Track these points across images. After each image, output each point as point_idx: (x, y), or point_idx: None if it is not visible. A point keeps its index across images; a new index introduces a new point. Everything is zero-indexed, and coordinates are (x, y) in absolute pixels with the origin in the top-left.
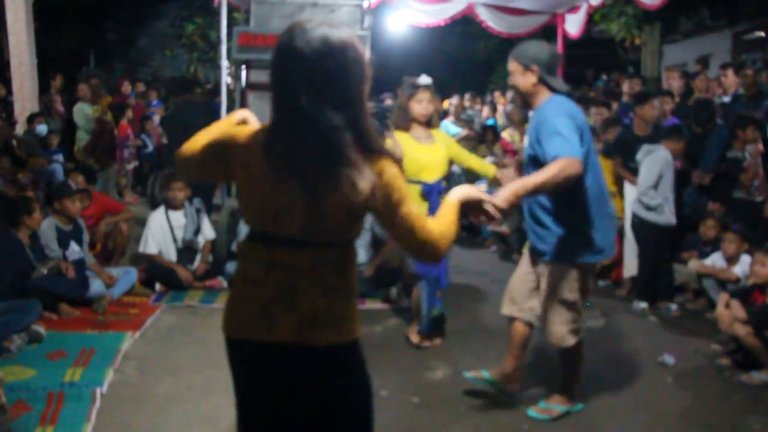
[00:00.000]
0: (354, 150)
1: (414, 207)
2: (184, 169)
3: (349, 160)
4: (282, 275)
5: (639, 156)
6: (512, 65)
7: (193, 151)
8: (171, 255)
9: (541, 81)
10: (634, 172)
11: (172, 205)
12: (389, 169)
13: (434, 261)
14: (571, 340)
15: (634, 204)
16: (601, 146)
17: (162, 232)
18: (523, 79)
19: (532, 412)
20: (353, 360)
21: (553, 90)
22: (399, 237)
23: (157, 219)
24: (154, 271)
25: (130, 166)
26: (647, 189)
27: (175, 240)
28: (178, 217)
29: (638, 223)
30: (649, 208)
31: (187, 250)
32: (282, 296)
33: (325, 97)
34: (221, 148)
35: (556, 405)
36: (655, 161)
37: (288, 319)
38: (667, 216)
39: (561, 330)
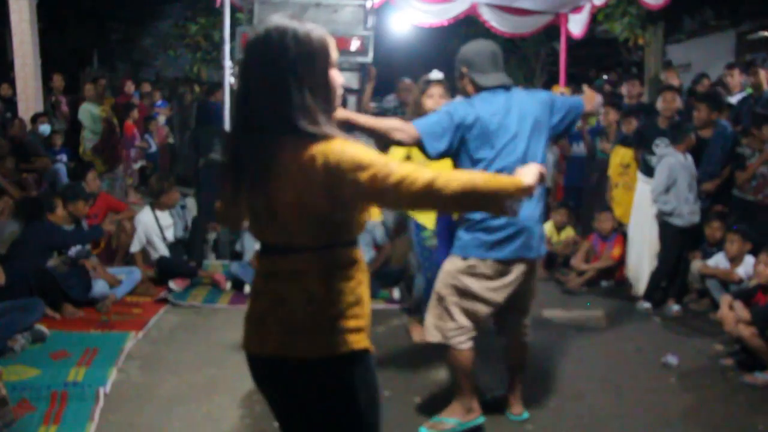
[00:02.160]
0: (289, 143)
1: (378, 162)
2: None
3: (277, 158)
4: (274, 285)
5: (655, 161)
6: (456, 74)
7: None
8: (162, 253)
9: (470, 80)
10: (648, 167)
11: (161, 207)
12: (333, 148)
13: (437, 207)
14: (431, 336)
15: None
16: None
17: (151, 231)
18: (461, 84)
19: (423, 429)
20: (346, 376)
21: (479, 88)
22: (391, 204)
23: (145, 219)
24: (165, 267)
25: (137, 166)
26: (659, 195)
27: (164, 238)
28: (165, 217)
29: (662, 224)
30: (664, 213)
31: (177, 246)
32: (273, 307)
33: (256, 93)
34: None
35: (448, 417)
36: (664, 167)
37: (276, 330)
38: (687, 217)
39: (428, 320)
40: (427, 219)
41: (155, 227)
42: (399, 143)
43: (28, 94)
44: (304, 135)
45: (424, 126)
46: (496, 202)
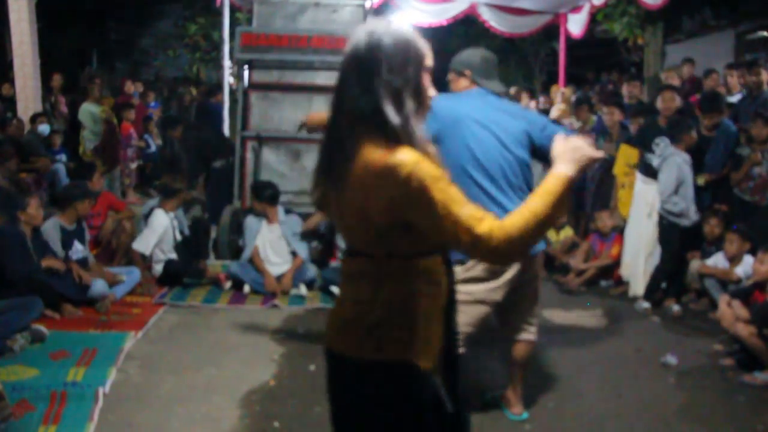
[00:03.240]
0: (367, 147)
1: (453, 202)
2: None
3: (355, 159)
4: (343, 283)
5: (655, 161)
6: (450, 75)
7: None
8: (171, 253)
9: (474, 83)
10: (647, 166)
11: (171, 208)
12: (418, 167)
13: (500, 262)
14: None
15: (661, 206)
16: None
17: (168, 233)
18: (456, 84)
19: None
20: (379, 384)
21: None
22: (446, 241)
23: (163, 222)
24: (174, 270)
25: (134, 165)
26: (668, 197)
27: (175, 239)
28: (171, 218)
29: (666, 225)
30: (672, 213)
31: (177, 247)
32: (337, 305)
33: (348, 91)
34: None
35: None
36: (672, 168)
37: (335, 327)
38: (693, 217)
39: None
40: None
41: (170, 229)
42: None
43: (28, 93)
44: (387, 136)
45: None
46: (561, 209)
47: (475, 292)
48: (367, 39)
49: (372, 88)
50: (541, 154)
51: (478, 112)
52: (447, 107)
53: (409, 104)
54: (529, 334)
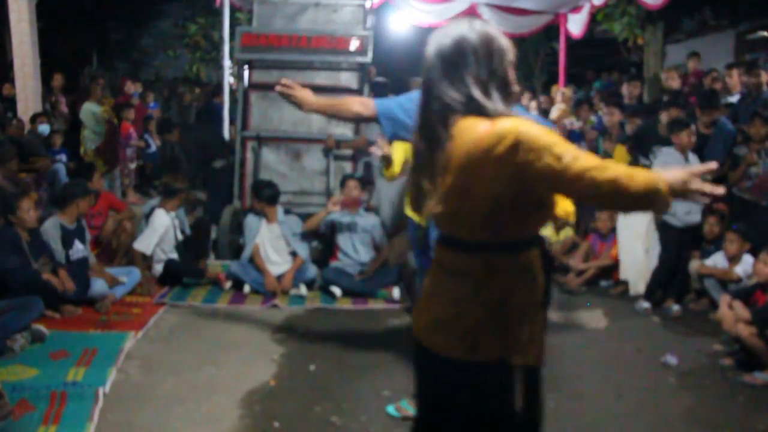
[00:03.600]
0: (465, 130)
1: (565, 146)
2: None
3: (448, 145)
4: (437, 276)
5: (647, 163)
6: None
7: None
8: (171, 253)
9: None
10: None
11: (172, 208)
12: (517, 128)
13: (624, 206)
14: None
15: None
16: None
17: (170, 234)
18: None
19: (391, 406)
20: (481, 382)
21: None
22: (574, 192)
23: (165, 222)
24: (174, 270)
25: (133, 165)
26: None
27: (176, 238)
28: (173, 217)
29: (660, 225)
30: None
31: (178, 247)
32: (432, 299)
33: (438, 82)
34: None
35: (412, 407)
36: (658, 165)
37: (425, 318)
38: (682, 217)
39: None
40: (425, 219)
41: (171, 229)
42: (360, 116)
43: (28, 94)
44: (481, 115)
45: (382, 105)
46: (633, 201)
47: None
48: (452, 37)
49: (461, 79)
50: None
51: None
52: None
53: (496, 94)
54: None
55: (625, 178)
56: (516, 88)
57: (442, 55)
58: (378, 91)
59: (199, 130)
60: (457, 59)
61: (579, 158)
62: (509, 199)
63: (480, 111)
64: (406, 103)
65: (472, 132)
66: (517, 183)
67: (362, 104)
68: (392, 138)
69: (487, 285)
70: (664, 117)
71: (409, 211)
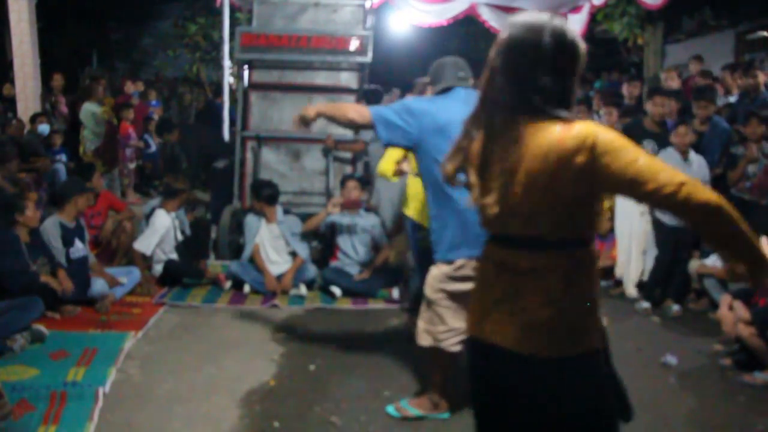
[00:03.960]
0: (539, 131)
1: (638, 155)
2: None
3: (523, 144)
4: (508, 278)
5: None
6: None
7: None
8: (171, 253)
9: (434, 93)
10: None
11: (172, 208)
12: (592, 131)
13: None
14: (423, 340)
15: None
16: None
17: (170, 234)
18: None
19: (391, 406)
20: (580, 374)
21: (438, 92)
22: (644, 199)
23: (165, 222)
24: (174, 270)
25: (132, 166)
26: None
27: (176, 239)
28: (173, 218)
29: (654, 223)
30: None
31: (185, 246)
32: (506, 300)
33: (508, 79)
34: None
35: (412, 407)
36: None
37: (510, 324)
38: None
39: (419, 325)
40: (424, 219)
41: (171, 229)
42: (355, 123)
43: (28, 93)
44: (551, 118)
45: (377, 112)
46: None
47: (465, 291)
48: (531, 30)
49: (535, 78)
50: None
51: (460, 114)
52: (430, 113)
53: (564, 98)
54: None
55: (722, 210)
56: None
57: (518, 49)
58: (371, 99)
59: (200, 130)
60: (533, 56)
61: (654, 164)
62: (586, 198)
63: (549, 114)
64: (401, 110)
65: (547, 134)
66: (594, 183)
67: (357, 112)
68: (388, 144)
69: (574, 280)
70: (649, 106)
71: (408, 211)
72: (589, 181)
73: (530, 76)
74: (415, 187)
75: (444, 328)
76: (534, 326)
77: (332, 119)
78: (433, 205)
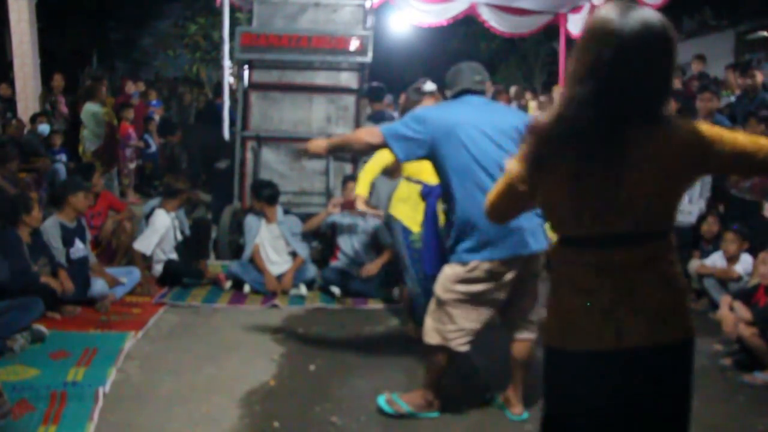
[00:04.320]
0: (646, 131)
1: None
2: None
3: (638, 147)
4: (618, 277)
5: None
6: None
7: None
8: (171, 253)
9: (449, 96)
10: None
11: (172, 208)
12: (692, 127)
13: None
14: (430, 338)
15: None
16: None
17: (170, 234)
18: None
19: (382, 398)
20: (692, 358)
21: (452, 96)
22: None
23: (164, 222)
24: (173, 270)
25: (132, 165)
26: None
27: (175, 239)
28: (173, 218)
29: None
30: None
31: (185, 246)
32: (624, 299)
33: (630, 81)
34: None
35: (404, 402)
36: None
37: (637, 322)
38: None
39: (427, 322)
40: (413, 223)
41: (171, 229)
42: (370, 145)
43: (28, 93)
44: (662, 123)
45: (387, 129)
46: None
47: (476, 292)
48: (646, 25)
49: (649, 78)
50: None
51: (468, 116)
52: (438, 117)
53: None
54: (529, 333)
55: None
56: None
57: (636, 46)
58: (374, 95)
59: (202, 130)
60: (661, 60)
61: (748, 137)
62: (683, 192)
63: (662, 117)
64: (409, 120)
65: (660, 134)
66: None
67: (370, 134)
68: (406, 159)
69: (675, 262)
70: None
71: (397, 214)
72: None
73: (649, 76)
74: (405, 190)
75: (453, 327)
76: (663, 314)
77: (346, 148)
78: (460, 207)
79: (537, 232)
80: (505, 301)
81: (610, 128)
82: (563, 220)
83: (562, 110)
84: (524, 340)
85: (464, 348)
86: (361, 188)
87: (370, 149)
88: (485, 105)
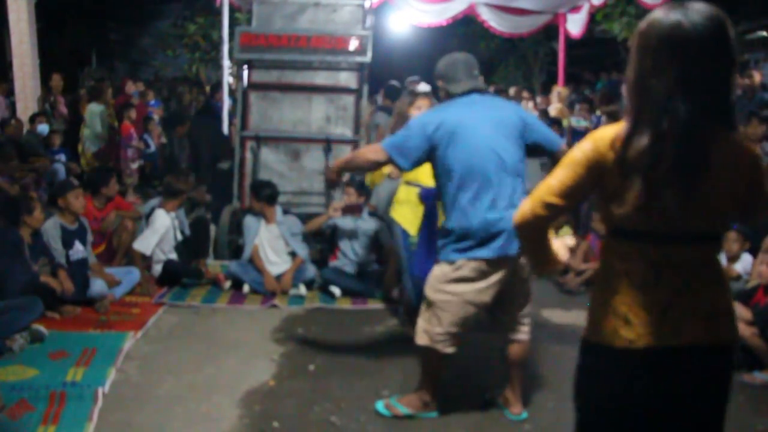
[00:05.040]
0: (720, 134)
1: None
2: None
3: (714, 149)
4: (676, 274)
5: None
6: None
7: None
8: (171, 254)
9: (445, 90)
10: None
11: (172, 208)
12: (751, 147)
13: None
14: (419, 339)
15: None
16: None
17: (170, 234)
18: (442, 97)
19: (381, 404)
20: (734, 360)
21: (452, 95)
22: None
23: (165, 222)
24: (172, 270)
25: (135, 166)
26: None
27: (175, 239)
28: (173, 218)
29: None
30: None
31: (185, 246)
32: (681, 297)
33: (704, 83)
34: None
35: (402, 405)
36: None
37: (694, 319)
38: None
39: (418, 323)
40: (411, 226)
41: (171, 229)
42: (376, 162)
43: (27, 93)
44: (737, 130)
45: (389, 143)
46: None
47: (462, 293)
48: (716, 22)
49: (726, 70)
50: (530, 147)
51: (467, 116)
52: (440, 121)
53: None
54: (521, 334)
55: None
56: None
57: (708, 43)
58: (391, 94)
59: (209, 125)
60: (727, 61)
61: None
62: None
63: (735, 122)
64: (407, 129)
65: (731, 137)
66: (748, 191)
67: (374, 152)
68: (411, 168)
69: (721, 266)
70: None
71: (398, 217)
72: (751, 191)
73: (719, 73)
74: (405, 194)
75: (440, 330)
76: (718, 314)
77: (354, 167)
78: (453, 208)
79: None
80: (495, 303)
81: (692, 129)
82: (629, 214)
83: (640, 115)
84: (519, 341)
85: (450, 350)
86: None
87: (377, 166)
88: (488, 102)
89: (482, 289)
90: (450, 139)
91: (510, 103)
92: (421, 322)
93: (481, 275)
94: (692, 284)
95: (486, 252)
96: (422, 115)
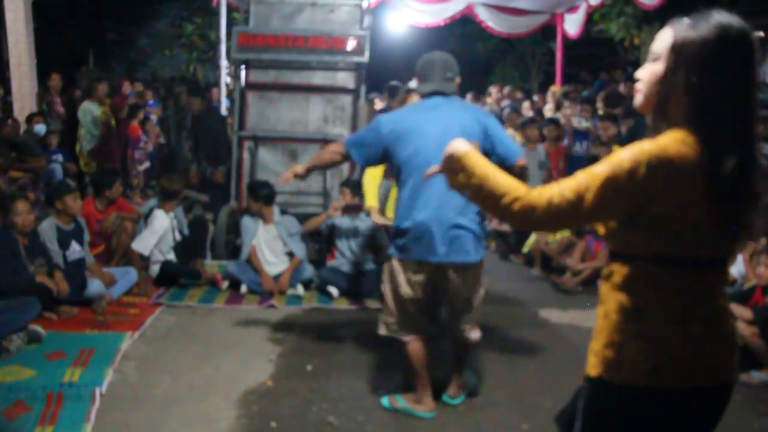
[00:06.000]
0: None
1: None
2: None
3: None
4: (710, 304)
5: None
6: None
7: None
8: (169, 254)
9: (419, 93)
10: None
11: (170, 208)
12: None
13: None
14: (380, 330)
15: None
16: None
17: (165, 234)
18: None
19: (385, 397)
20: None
21: (423, 95)
22: None
23: (163, 222)
24: (170, 271)
25: (142, 167)
26: None
27: (174, 239)
28: (171, 218)
29: None
30: None
31: (183, 246)
32: (711, 330)
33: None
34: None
35: (402, 400)
36: None
37: (723, 355)
38: None
39: (379, 316)
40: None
41: (170, 230)
42: (339, 154)
43: (24, 94)
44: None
45: (349, 138)
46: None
47: (396, 286)
48: (746, 37)
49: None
50: (486, 155)
51: (421, 118)
52: (392, 122)
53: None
54: (464, 336)
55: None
56: None
57: (734, 61)
58: (392, 92)
59: (216, 117)
60: (746, 71)
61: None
62: None
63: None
64: (368, 127)
65: None
66: None
67: (337, 146)
68: (366, 163)
69: (725, 297)
70: None
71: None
72: None
73: (743, 98)
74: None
75: (393, 320)
76: (734, 350)
77: (320, 165)
78: (399, 207)
79: (467, 242)
80: (432, 302)
81: (749, 152)
82: (673, 239)
83: (716, 135)
84: (460, 339)
85: (407, 338)
86: (371, 199)
87: (342, 158)
88: (449, 105)
89: (412, 283)
90: (398, 139)
91: (475, 108)
92: (381, 314)
93: (411, 272)
94: (719, 315)
95: (410, 254)
96: (386, 114)
